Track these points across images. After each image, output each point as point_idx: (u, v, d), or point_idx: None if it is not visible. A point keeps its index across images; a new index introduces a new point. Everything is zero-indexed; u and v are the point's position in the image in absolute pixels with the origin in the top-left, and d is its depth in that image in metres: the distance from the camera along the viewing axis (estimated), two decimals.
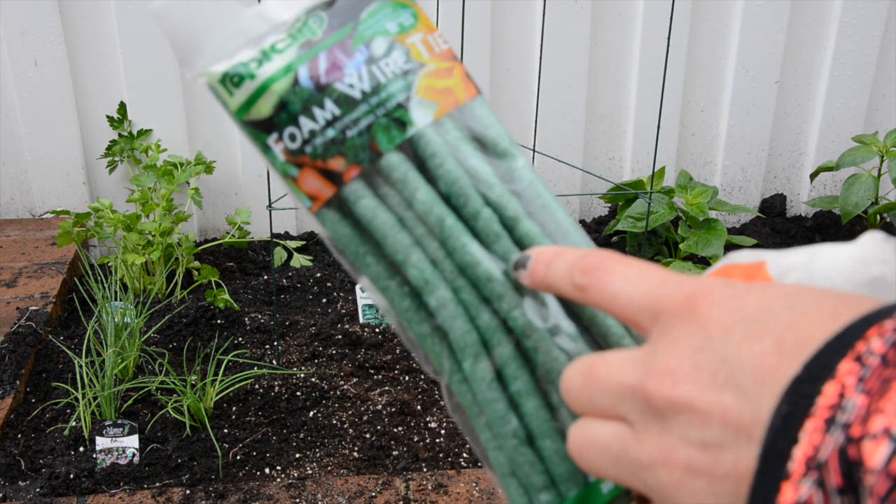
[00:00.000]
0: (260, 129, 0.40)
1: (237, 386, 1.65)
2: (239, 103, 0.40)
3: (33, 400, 1.65)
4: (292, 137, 0.40)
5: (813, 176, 2.37)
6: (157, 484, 1.45)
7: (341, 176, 0.40)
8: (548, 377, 0.39)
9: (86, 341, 1.68)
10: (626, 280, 0.35)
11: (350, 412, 1.62)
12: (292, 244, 2.23)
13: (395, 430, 1.58)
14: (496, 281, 0.40)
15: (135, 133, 2.21)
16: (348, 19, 0.41)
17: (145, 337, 1.76)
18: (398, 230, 0.40)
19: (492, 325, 0.40)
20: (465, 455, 1.53)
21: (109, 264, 2.01)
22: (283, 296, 2.05)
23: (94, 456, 1.49)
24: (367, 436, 1.56)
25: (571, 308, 0.41)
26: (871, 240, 0.37)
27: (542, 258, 0.38)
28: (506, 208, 0.41)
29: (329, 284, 2.09)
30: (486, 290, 0.40)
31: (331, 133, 0.40)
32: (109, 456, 1.48)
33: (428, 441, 1.56)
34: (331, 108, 0.40)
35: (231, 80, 0.40)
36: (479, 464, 1.51)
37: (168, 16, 0.40)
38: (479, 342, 0.40)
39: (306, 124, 0.40)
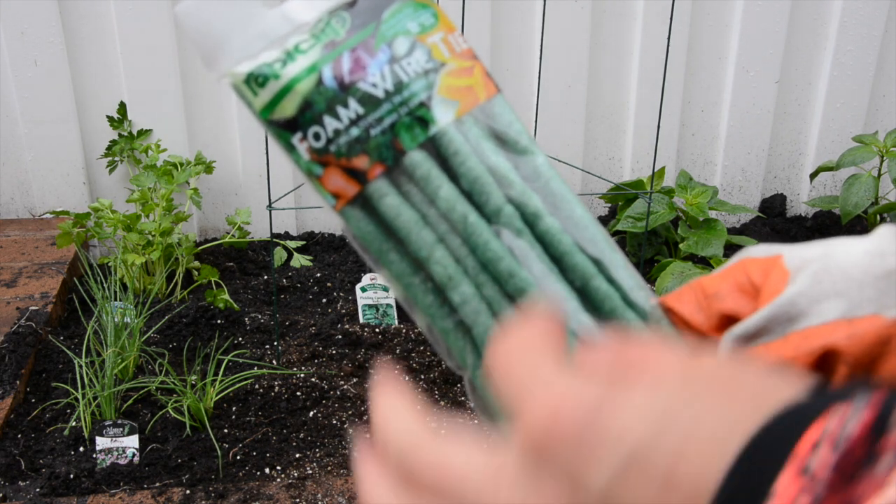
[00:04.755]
0: (284, 129, 0.40)
1: (237, 386, 1.65)
2: (263, 103, 0.40)
3: (33, 400, 1.65)
4: (317, 136, 0.40)
5: (813, 176, 2.37)
6: (157, 484, 1.45)
7: (365, 174, 0.40)
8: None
9: (86, 341, 1.68)
10: (498, 368, 0.31)
11: (350, 412, 1.62)
12: (292, 244, 2.23)
13: None
14: (518, 276, 0.40)
15: (135, 133, 2.21)
16: (370, 19, 0.41)
17: (145, 337, 1.76)
18: (421, 227, 0.41)
19: None
20: None
21: (109, 264, 2.01)
22: (283, 296, 2.05)
23: (94, 456, 1.49)
24: (368, 436, 1.56)
25: (591, 302, 0.41)
26: (888, 233, 0.37)
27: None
28: (527, 205, 0.41)
29: (329, 284, 2.09)
30: (509, 285, 0.40)
31: (355, 132, 0.40)
32: (109, 456, 1.48)
33: None
34: (354, 108, 0.40)
35: (256, 81, 0.40)
36: None
37: (193, 18, 0.40)
38: None
39: (331, 123, 0.40)
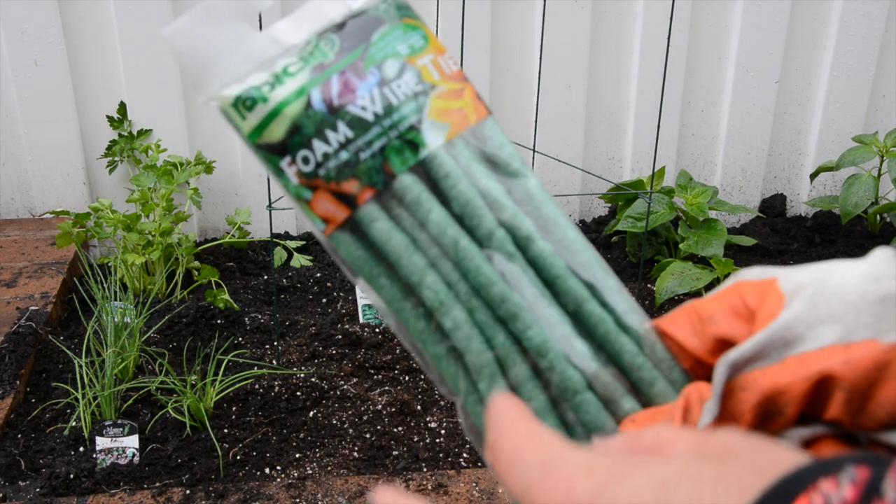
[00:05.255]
0: (273, 153, 0.40)
1: (237, 386, 1.65)
2: (251, 127, 0.40)
3: (33, 400, 1.65)
4: (305, 160, 0.40)
5: (813, 176, 2.37)
6: (157, 484, 1.45)
7: (355, 198, 0.40)
8: (563, 396, 0.40)
9: (86, 341, 1.69)
10: (506, 463, 0.33)
11: (350, 412, 1.62)
12: (292, 244, 2.23)
13: (395, 430, 1.59)
14: (510, 301, 0.40)
15: (135, 133, 2.21)
16: (359, 41, 0.41)
17: (145, 337, 1.76)
18: (412, 252, 0.40)
19: (507, 346, 0.40)
20: (465, 455, 1.53)
21: (109, 264, 2.01)
22: (283, 296, 2.05)
23: (94, 456, 1.49)
24: (367, 436, 1.56)
25: (584, 327, 0.41)
26: (882, 256, 0.37)
27: (487, 418, 0.37)
28: (519, 228, 0.41)
29: (329, 284, 2.10)
30: (501, 310, 0.40)
31: (344, 156, 0.40)
32: (109, 456, 1.49)
33: (428, 441, 1.56)
34: (344, 131, 0.40)
35: (243, 104, 0.40)
36: (479, 464, 1.51)
37: (180, 40, 0.40)
38: (494, 363, 0.40)
39: (319, 147, 0.40)
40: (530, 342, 0.40)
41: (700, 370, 0.41)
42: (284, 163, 0.40)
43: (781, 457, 0.28)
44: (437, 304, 0.40)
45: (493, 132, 0.43)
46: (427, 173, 0.41)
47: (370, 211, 0.40)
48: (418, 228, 0.40)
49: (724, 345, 0.39)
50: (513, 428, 0.34)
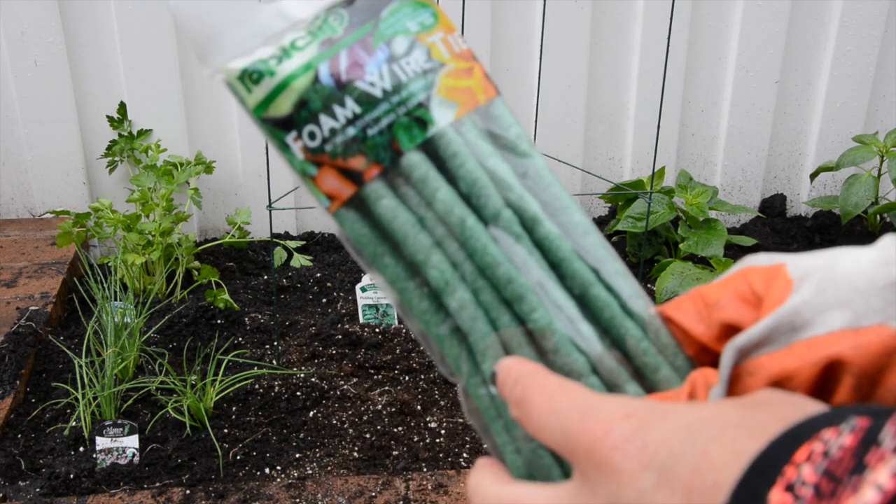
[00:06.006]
0: (279, 127, 0.40)
1: (237, 386, 1.65)
2: (258, 100, 0.40)
3: (33, 400, 1.65)
4: (312, 136, 0.39)
5: (813, 176, 2.37)
6: (157, 484, 1.45)
7: (362, 175, 0.40)
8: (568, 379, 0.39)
9: (86, 341, 1.68)
10: (542, 414, 0.35)
11: (350, 412, 1.62)
12: (292, 244, 2.23)
13: (395, 430, 1.58)
14: (516, 282, 0.39)
15: (135, 133, 2.21)
16: (369, 17, 0.41)
17: (145, 337, 1.76)
18: (418, 230, 0.40)
19: (512, 327, 0.40)
20: (465, 455, 1.53)
21: (109, 264, 2.01)
22: (283, 296, 2.05)
23: (94, 456, 1.49)
24: (367, 436, 1.56)
25: (590, 311, 0.41)
26: (891, 242, 0.37)
27: (504, 379, 0.38)
28: (526, 209, 0.41)
29: (329, 284, 2.09)
30: (507, 291, 0.40)
31: (351, 131, 0.39)
32: (109, 456, 1.48)
33: (428, 441, 1.56)
34: (351, 107, 0.39)
35: (250, 77, 0.39)
36: None
37: (187, 13, 0.39)
38: (499, 344, 0.40)
39: (327, 122, 0.39)
40: (536, 324, 0.40)
41: (705, 357, 0.40)
42: (290, 138, 0.40)
43: (807, 407, 0.29)
44: (443, 283, 0.40)
45: (501, 112, 0.42)
46: (435, 151, 0.40)
47: (376, 188, 0.40)
48: (425, 207, 0.40)
49: (730, 331, 0.39)
50: (543, 382, 0.35)
